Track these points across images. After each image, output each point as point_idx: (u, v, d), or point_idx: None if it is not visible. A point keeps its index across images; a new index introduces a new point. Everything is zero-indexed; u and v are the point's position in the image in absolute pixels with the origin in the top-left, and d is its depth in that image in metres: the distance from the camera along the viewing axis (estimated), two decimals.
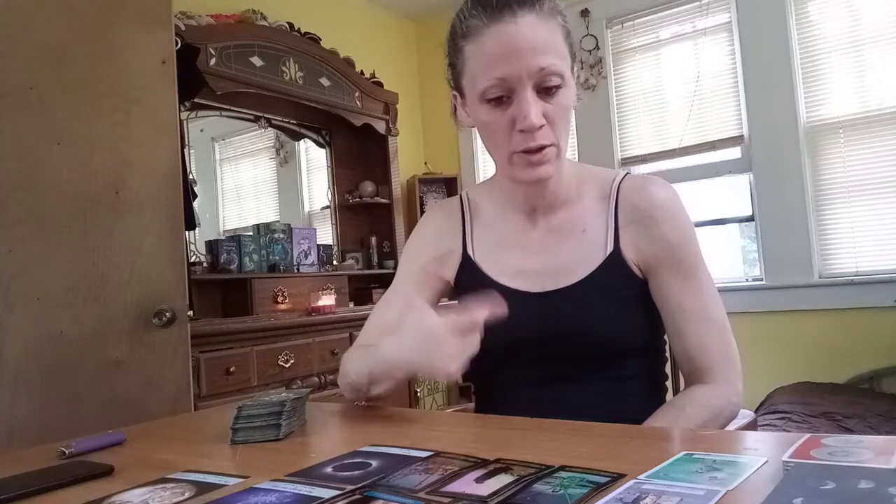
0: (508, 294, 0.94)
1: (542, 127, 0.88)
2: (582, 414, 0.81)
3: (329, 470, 0.66)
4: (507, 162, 0.93)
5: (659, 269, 0.95)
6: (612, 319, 0.95)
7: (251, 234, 3.00)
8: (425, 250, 1.09)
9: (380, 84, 3.56)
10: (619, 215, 0.97)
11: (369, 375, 0.90)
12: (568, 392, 0.95)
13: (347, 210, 3.58)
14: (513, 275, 1.00)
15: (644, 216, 0.96)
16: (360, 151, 3.62)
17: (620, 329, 0.95)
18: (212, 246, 2.83)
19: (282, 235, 3.04)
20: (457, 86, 0.97)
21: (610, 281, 0.95)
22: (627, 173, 1.02)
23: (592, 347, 0.94)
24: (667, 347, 1.05)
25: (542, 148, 0.89)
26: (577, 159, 3.63)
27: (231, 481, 0.66)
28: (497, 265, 1.01)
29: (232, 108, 3.01)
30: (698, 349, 0.93)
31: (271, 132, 3.37)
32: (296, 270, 3.04)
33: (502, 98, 0.88)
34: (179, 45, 2.04)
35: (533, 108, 0.86)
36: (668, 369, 1.07)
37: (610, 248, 0.96)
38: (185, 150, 2.50)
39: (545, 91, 0.88)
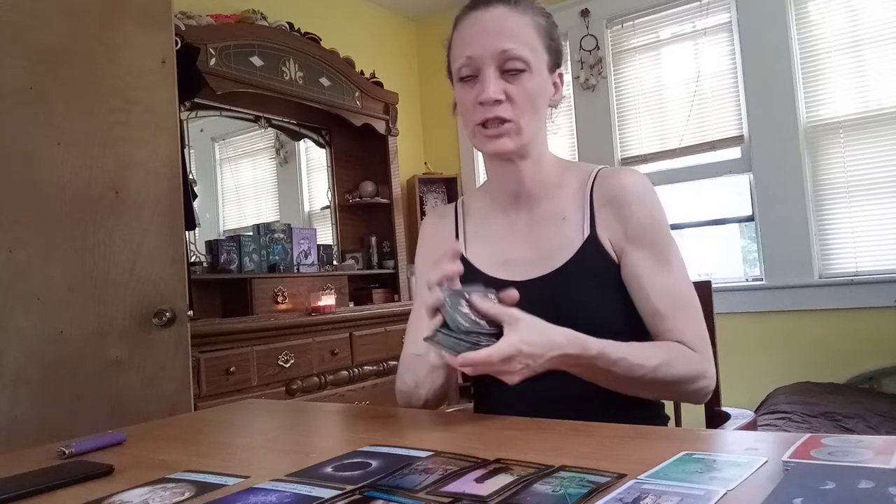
0: (495, 284, 0.99)
1: (500, 102, 0.95)
2: (575, 397, 0.82)
3: (329, 470, 0.67)
4: (472, 136, 1.01)
5: (630, 248, 0.99)
6: (594, 301, 0.98)
7: (251, 234, 2.99)
8: (427, 256, 1.17)
9: (380, 84, 3.55)
10: (594, 201, 1.02)
11: (415, 380, 1.02)
12: (561, 377, 0.95)
13: (347, 210, 3.57)
14: (499, 265, 1.05)
15: (615, 199, 1.00)
16: (360, 151, 3.61)
17: (603, 310, 0.98)
18: (212, 246, 2.83)
19: (282, 235, 3.04)
20: (450, 75, 1.05)
21: (589, 264, 0.99)
22: (605, 166, 1.07)
23: (577, 329, 0.95)
24: None
25: (499, 121, 0.96)
26: (577, 159, 3.63)
27: (231, 481, 0.66)
28: (485, 258, 1.07)
29: (232, 108, 3.01)
30: (673, 325, 0.95)
31: (271, 132, 3.36)
32: (296, 270, 3.04)
33: (472, 77, 0.97)
34: (179, 45, 2.05)
35: (492, 83, 0.95)
36: None
37: (587, 233, 1.00)
38: (185, 150, 2.50)
39: (509, 73, 0.96)
